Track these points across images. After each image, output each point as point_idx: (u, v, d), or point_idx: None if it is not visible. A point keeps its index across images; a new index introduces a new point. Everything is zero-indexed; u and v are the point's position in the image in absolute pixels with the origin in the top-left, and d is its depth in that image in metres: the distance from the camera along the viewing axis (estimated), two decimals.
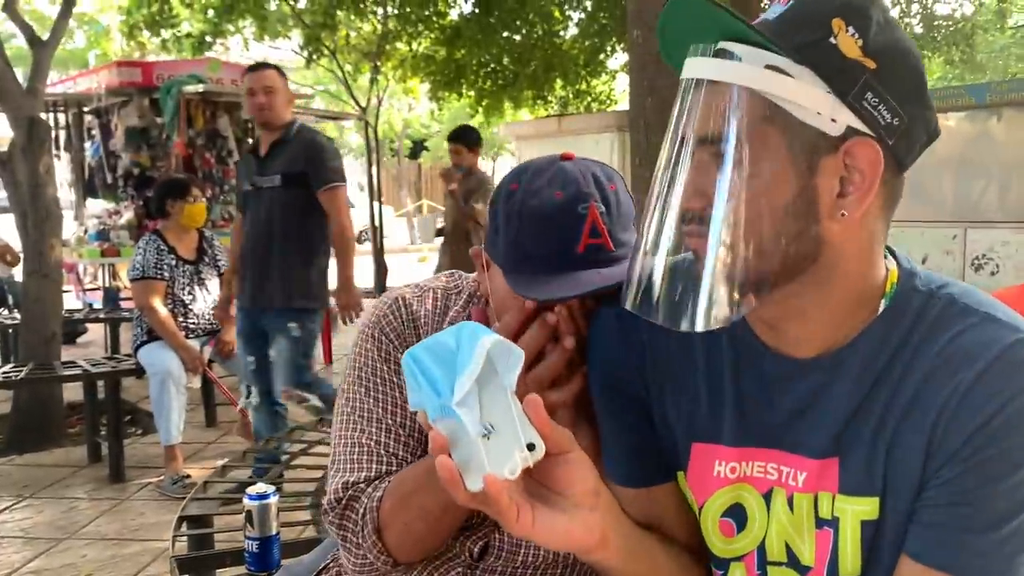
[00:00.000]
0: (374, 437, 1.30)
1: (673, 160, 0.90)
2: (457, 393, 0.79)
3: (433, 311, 1.36)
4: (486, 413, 0.81)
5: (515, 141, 14.14)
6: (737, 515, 1.03)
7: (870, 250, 0.94)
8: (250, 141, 8.40)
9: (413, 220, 22.43)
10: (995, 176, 9.66)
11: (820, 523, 0.98)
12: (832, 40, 0.86)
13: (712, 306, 0.89)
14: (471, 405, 0.80)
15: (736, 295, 0.89)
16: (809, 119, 0.86)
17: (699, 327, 0.89)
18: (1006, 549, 0.88)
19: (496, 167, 28.80)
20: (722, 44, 0.88)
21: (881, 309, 0.95)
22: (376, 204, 12.18)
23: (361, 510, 1.26)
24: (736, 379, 1.02)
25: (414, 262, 16.50)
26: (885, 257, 0.98)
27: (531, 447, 0.79)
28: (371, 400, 1.32)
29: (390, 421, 1.31)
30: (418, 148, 28.90)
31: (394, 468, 1.29)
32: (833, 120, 0.86)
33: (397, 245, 20.20)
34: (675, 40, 0.92)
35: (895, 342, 0.94)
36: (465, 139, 6.37)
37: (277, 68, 4.18)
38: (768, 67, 0.86)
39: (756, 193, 0.87)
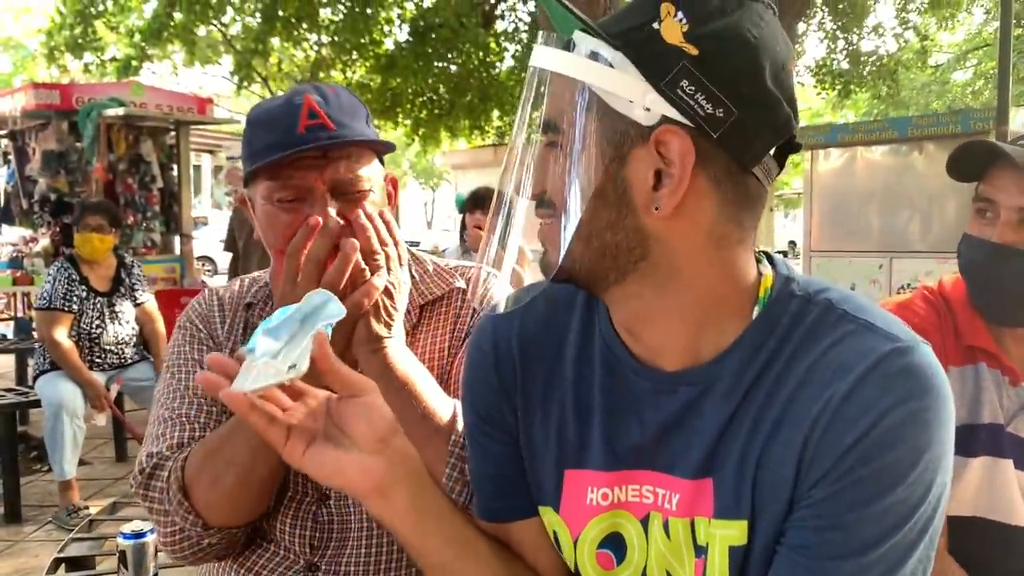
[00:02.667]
0: (176, 409, 1.32)
1: (513, 143, 0.89)
2: (272, 320, 0.85)
3: (239, 290, 1.42)
4: (288, 349, 0.84)
5: (452, 170, 14.13)
6: (616, 545, 0.96)
7: (717, 253, 0.87)
8: (174, 167, 8.21)
9: None
10: (919, 208, 9.93)
11: (699, 551, 0.91)
12: (655, 25, 0.82)
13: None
14: (279, 335, 0.85)
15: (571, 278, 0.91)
16: (621, 107, 0.83)
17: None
18: (870, 575, 0.82)
19: (436, 196, 28.78)
20: (575, 34, 0.86)
21: (754, 316, 0.89)
22: None
23: (166, 475, 1.24)
24: (605, 397, 0.95)
25: None
26: (760, 263, 0.93)
27: (292, 368, 0.82)
28: (175, 380, 1.35)
29: (192, 394, 1.33)
30: None
31: (197, 434, 1.29)
32: (647, 109, 0.82)
33: None
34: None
35: (768, 351, 0.88)
36: None
37: None
38: (591, 54, 0.84)
39: (572, 181, 0.86)
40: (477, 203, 4.63)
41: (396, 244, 1.24)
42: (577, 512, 0.96)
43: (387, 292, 1.21)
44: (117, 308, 4.65)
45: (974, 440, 1.54)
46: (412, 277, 1.38)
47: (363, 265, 1.18)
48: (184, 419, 1.30)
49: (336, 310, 0.87)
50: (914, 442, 0.80)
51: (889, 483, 0.80)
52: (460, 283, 1.40)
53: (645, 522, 0.93)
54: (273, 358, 0.82)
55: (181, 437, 1.28)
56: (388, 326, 1.21)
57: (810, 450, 0.83)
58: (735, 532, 0.87)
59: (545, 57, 0.86)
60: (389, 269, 1.21)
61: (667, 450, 0.91)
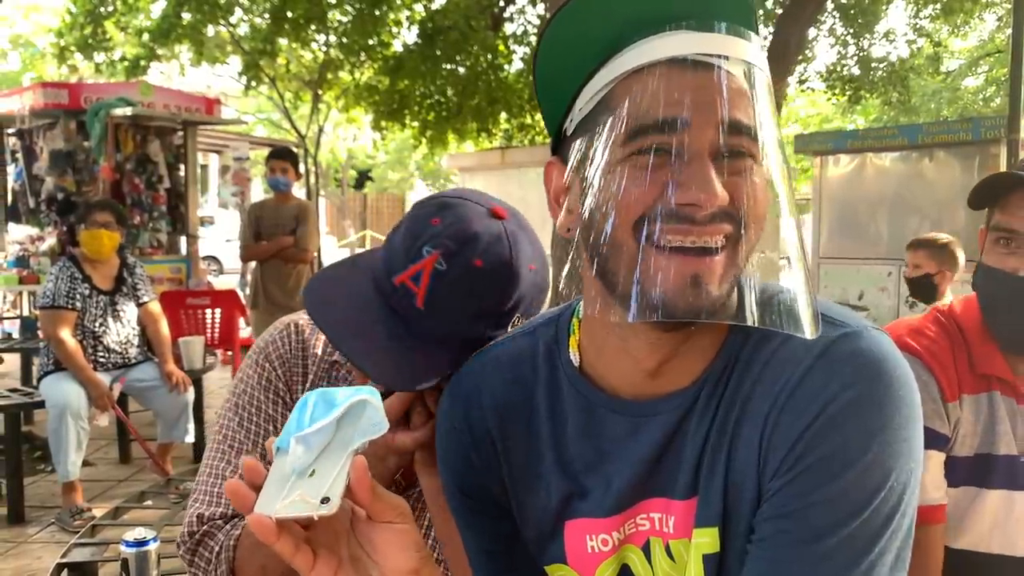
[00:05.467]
0: (239, 471, 1.21)
1: (683, 151, 0.77)
2: (305, 430, 0.77)
3: (327, 344, 1.28)
4: (320, 459, 0.76)
5: (459, 173, 14.11)
6: None
7: None
8: (182, 167, 8.21)
9: (355, 251, 22.15)
10: (928, 215, 9.87)
11: None
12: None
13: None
14: (311, 445, 0.76)
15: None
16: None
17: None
18: (826, 567, 0.78)
19: None
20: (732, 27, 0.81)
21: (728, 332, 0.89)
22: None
23: (216, 548, 1.21)
24: (587, 443, 0.93)
25: None
26: None
27: (325, 500, 0.73)
28: (243, 431, 1.26)
29: (259, 454, 1.25)
30: (363, 178, 28.76)
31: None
32: None
33: None
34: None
35: (729, 358, 0.87)
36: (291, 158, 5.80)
37: None
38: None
39: (775, 196, 0.82)
40: None
41: None
42: (583, 561, 0.95)
43: None
44: (120, 307, 4.62)
45: (991, 471, 1.49)
46: None
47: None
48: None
49: (377, 424, 0.78)
50: (863, 425, 0.79)
51: (839, 468, 0.78)
52: None
53: (647, 549, 0.92)
54: (306, 476, 0.75)
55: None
56: None
57: (766, 444, 0.83)
58: (707, 540, 0.86)
59: (744, 49, 0.80)
60: None
61: (659, 476, 0.89)
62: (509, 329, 1.10)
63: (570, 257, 0.88)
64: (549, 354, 0.97)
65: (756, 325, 0.80)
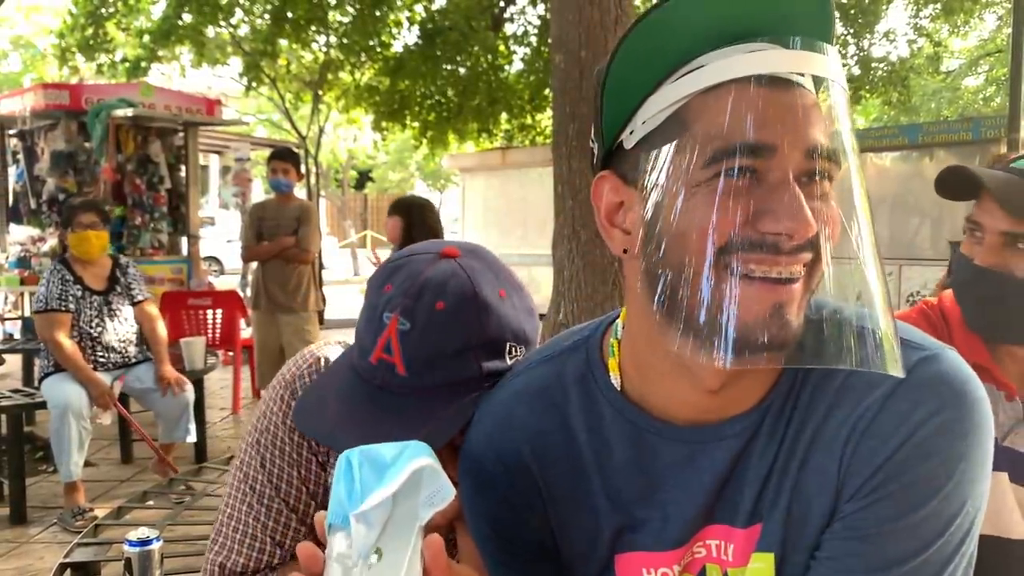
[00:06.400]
0: (261, 520, 1.20)
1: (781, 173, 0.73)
2: (363, 504, 0.70)
3: None
4: (385, 537, 0.71)
5: (459, 173, 14.11)
6: None
7: None
8: (183, 168, 8.22)
9: (357, 251, 22.16)
10: (929, 215, 9.88)
11: None
12: None
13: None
14: (372, 522, 0.70)
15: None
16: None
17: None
18: None
19: (443, 199, 28.84)
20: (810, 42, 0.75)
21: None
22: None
23: None
24: (636, 473, 0.88)
25: (356, 293, 16.27)
26: None
27: None
28: (265, 474, 1.21)
29: (280, 504, 1.21)
30: (363, 179, 28.76)
31: (276, 560, 1.20)
32: None
33: (340, 276, 19.95)
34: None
35: (794, 380, 0.84)
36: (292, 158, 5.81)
37: None
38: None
39: (857, 222, 0.76)
40: (398, 209, 5.11)
41: None
42: None
43: None
44: (115, 307, 4.62)
45: None
46: None
47: None
48: (268, 537, 1.20)
49: (442, 490, 0.73)
50: (948, 453, 0.78)
51: (923, 496, 0.78)
52: None
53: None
54: (371, 557, 0.69)
55: (259, 561, 1.19)
56: None
57: (844, 467, 0.80)
58: (762, 565, 0.84)
59: (828, 66, 0.75)
60: None
61: (720, 503, 0.86)
62: (508, 359, 1.06)
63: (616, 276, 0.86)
64: (581, 379, 0.92)
65: (847, 367, 0.75)
